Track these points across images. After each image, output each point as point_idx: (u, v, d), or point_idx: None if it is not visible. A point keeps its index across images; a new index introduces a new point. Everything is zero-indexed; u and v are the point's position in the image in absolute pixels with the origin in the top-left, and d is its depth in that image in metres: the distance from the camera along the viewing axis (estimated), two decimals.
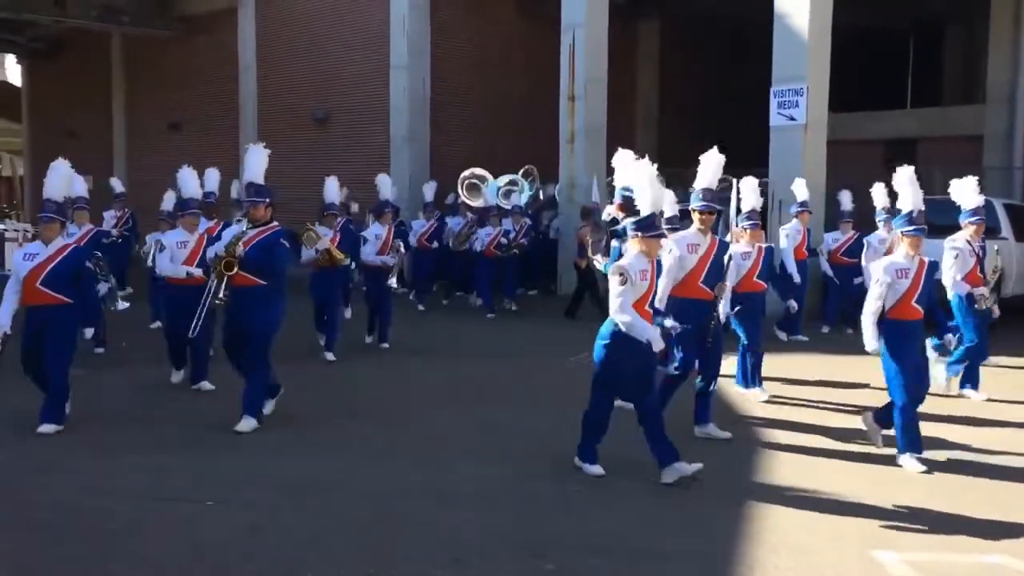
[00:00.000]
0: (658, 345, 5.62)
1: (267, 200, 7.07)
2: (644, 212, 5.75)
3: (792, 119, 13.78)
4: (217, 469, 6.05)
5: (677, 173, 13.09)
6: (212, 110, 22.26)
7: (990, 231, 12.23)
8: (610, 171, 14.24)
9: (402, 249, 11.24)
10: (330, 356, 9.71)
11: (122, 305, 8.63)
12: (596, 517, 5.22)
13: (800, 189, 11.54)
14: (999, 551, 4.79)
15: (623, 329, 5.58)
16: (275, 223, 7.18)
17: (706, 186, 6.79)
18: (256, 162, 7.18)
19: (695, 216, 6.77)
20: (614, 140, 16.27)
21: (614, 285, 5.65)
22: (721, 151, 6.94)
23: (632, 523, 5.15)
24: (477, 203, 14.25)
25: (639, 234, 5.72)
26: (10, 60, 33.84)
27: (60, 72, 27.10)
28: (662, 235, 5.84)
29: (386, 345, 10.50)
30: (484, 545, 4.78)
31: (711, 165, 6.85)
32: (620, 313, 5.59)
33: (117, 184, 14.51)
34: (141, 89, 24.55)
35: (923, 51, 23.31)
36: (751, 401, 8.11)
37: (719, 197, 7.18)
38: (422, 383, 9.02)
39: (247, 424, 6.82)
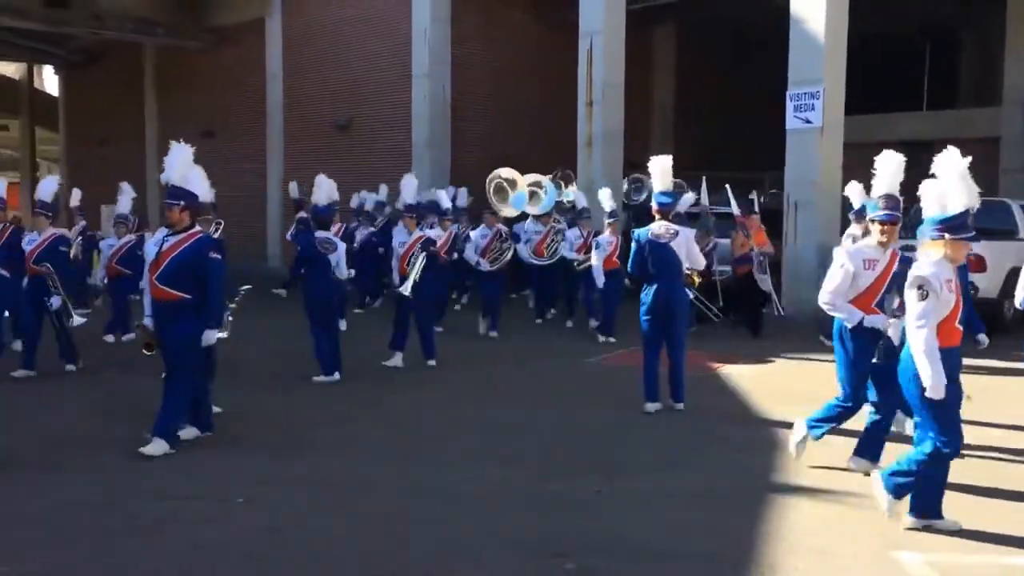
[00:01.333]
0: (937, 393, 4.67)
1: (181, 203, 6.36)
2: (955, 209, 4.71)
3: (808, 122, 13.89)
4: (242, 469, 6.14)
5: (694, 176, 13.37)
6: (241, 118, 22.79)
7: (1007, 233, 12.38)
8: (626, 174, 14.49)
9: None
10: (320, 379, 8.91)
11: (77, 320, 8.88)
12: (615, 518, 5.21)
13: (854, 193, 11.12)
14: None
15: (919, 368, 4.69)
16: (197, 229, 6.55)
17: (888, 192, 5.71)
18: (175, 161, 6.57)
19: (874, 227, 5.75)
20: (631, 144, 16.65)
21: (912, 302, 4.71)
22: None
23: (651, 524, 5.14)
24: (506, 211, 12.52)
25: (945, 235, 4.72)
26: (48, 71, 34.69)
27: (95, 82, 27.84)
28: (975, 238, 4.82)
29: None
30: (503, 545, 4.79)
31: (890, 167, 5.77)
32: (919, 347, 4.65)
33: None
34: (173, 98, 25.16)
35: (939, 53, 23.26)
36: (765, 399, 8.22)
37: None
38: (442, 384, 9.09)
39: (155, 447, 6.20)
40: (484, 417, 7.72)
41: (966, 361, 5.26)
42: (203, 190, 6.86)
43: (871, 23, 18.42)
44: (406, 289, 9.41)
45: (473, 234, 12.56)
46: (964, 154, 4.85)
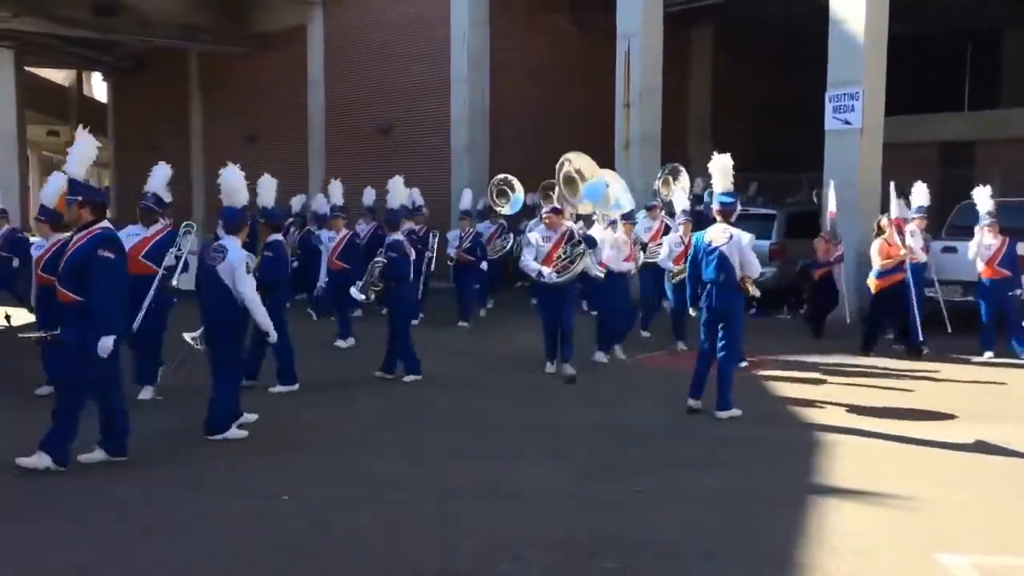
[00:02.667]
0: None
1: (79, 198, 5.95)
2: None
3: (848, 123, 13.81)
4: (292, 465, 6.24)
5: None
6: (284, 122, 23.12)
7: None
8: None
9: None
10: (278, 388, 8.56)
11: None
12: (656, 518, 5.25)
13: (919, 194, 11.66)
14: None
15: None
16: (98, 226, 5.98)
17: None
18: (76, 156, 6.44)
19: None
20: (668, 146, 16.64)
21: None
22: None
23: (692, 524, 5.15)
24: (504, 210, 13.20)
25: None
26: (96, 78, 35.45)
27: (142, 88, 28.39)
28: None
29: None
30: (544, 543, 4.84)
31: None
32: None
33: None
34: (217, 103, 25.61)
35: (980, 54, 22.91)
36: (809, 400, 8.25)
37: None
38: (480, 385, 9.18)
39: (32, 461, 5.87)
40: (522, 417, 7.79)
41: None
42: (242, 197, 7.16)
43: (911, 23, 18.24)
44: (356, 291, 9.23)
45: (532, 237, 9.73)
46: (1006, 154, 4.88)
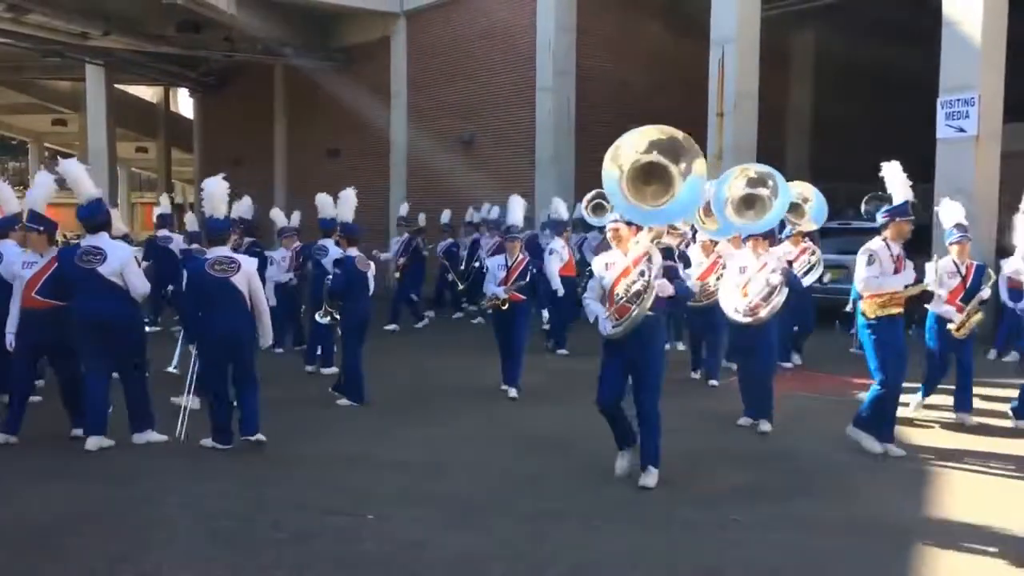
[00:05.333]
0: None
1: (39, 228, 7.02)
2: None
3: (962, 131, 13.04)
4: (382, 485, 6.15)
5: (832, 188, 12.55)
6: (366, 136, 23.04)
7: None
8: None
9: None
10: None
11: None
12: (754, 547, 5.06)
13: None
14: None
15: None
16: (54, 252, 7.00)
17: None
18: (38, 193, 7.22)
19: None
20: (762, 156, 15.87)
21: None
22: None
23: (793, 556, 4.95)
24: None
25: None
26: (183, 94, 36.19)
27: (227, 103, 28.80)
28: None
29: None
30: (637, 570, 4.72)
31: None
32: None
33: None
34: (301, 117, 25.73)
35: None
36: (906, 425, 7.73)
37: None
38: (569, 405, 8.78)
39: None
40: (607, 437, 7.26)
41: None
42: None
43: None
44: (320, 317, 8.89)
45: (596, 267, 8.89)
46: None
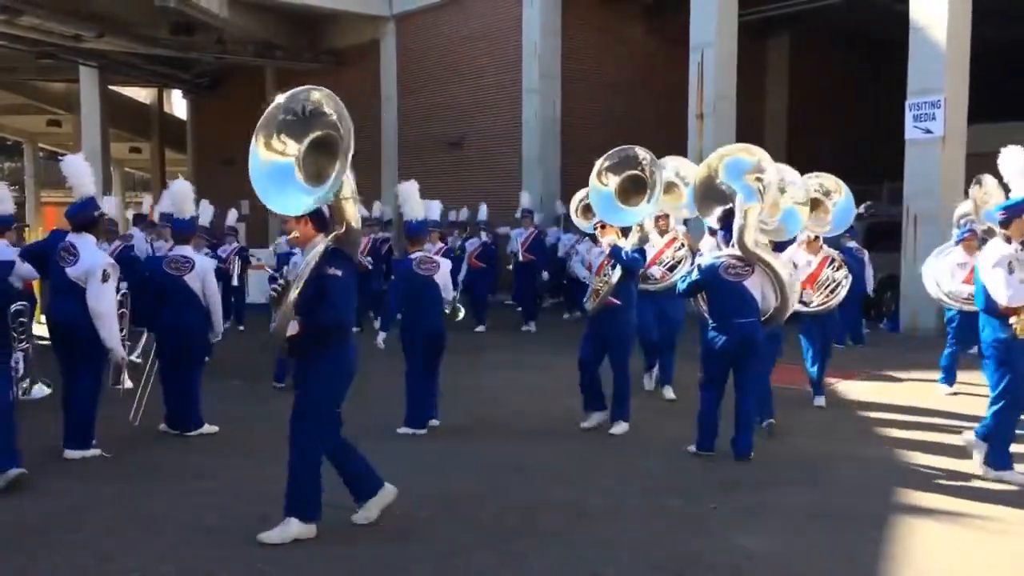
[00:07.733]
0: None
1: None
2: None
3: (928, 132, 13.51)
4: (412, 489, 5.97)
5: None
6: (357, 137, 23.11)
7: None
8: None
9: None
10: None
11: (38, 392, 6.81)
12: (733, 535, 5.13)
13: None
14: None
15: None
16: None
17: None
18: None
19: None
20: None
21: None
22: None
23: (771, 543, 5.02)
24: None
25: None
26: (176, 95, 36.46)
27: (220, 105, 29.10)
28: None
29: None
30: (620, 560, 4.78)
31: None
32: None
33: None
34: None
35: None
36: (882, 417, 8.03)
37: None
38: (558, 399, 8.92)
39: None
40: (597, 432, 7.61)
41: None
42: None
43: (994, 28, 17.66)
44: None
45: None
46: None
